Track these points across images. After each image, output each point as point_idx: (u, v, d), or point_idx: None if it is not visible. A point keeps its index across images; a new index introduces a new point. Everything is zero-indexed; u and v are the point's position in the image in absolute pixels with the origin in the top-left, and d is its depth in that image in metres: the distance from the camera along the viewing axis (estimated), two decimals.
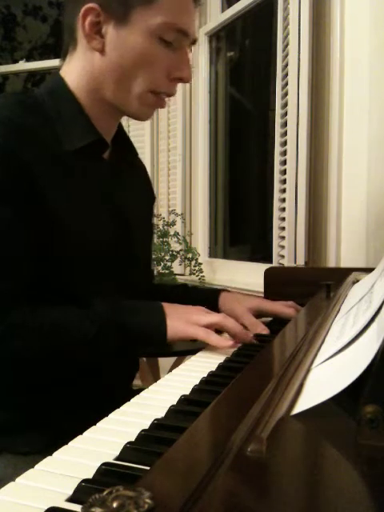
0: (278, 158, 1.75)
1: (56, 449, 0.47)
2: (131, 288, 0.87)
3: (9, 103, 0.78)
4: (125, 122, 1.95)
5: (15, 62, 3.33)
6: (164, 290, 1.10)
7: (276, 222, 1.77)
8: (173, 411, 0.54)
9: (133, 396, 0.60)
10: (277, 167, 1.76)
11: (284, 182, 1.70)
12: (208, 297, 1.02)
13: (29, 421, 0.80)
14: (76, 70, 0.83)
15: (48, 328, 0.73)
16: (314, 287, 1.08)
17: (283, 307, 0.98)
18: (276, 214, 1.76)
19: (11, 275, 0.73)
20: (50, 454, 0.46)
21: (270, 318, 1.01)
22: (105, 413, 0.55)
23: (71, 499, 0.38)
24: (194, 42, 0.84)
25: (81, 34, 0.80)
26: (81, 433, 0.50)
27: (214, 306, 0.97)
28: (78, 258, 0.79)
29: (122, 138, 0.93)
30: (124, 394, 0.66)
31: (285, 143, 1.70)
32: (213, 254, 2.53)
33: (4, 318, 0.71)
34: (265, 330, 0.87)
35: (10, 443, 0.78)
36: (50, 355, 0.74)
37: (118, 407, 0.57)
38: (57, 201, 0.76)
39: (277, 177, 1.76)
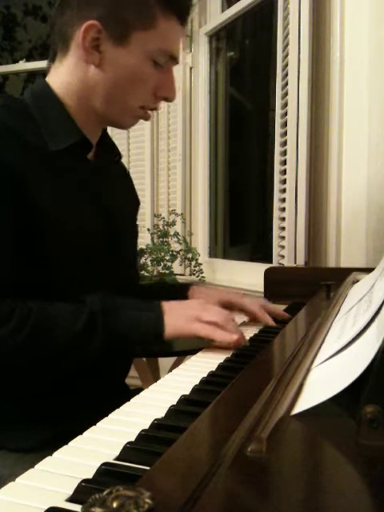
0: (278, 158, 1.75)
1: (56, 447, 0.47)
2: (117, 288, 0.87)
3: None
4: None
5: (15, 61, 3.33)
6: (141, 289, 1.11)
7: (276, 222, 1.77)
8: (173, 411, 0.54)
9: (132, 396, 0.60)
10: (277, 167, 1.76)
11: (284, 182, 1.70)
12: (178, 292, 1.03)
13: (28, 417, 0.79)
14: (66, 76, 0.86)
15: (34, 320, 0.72)
16: (314, 287, 1.08)
17: (250, 304, 0.97)
18: (276, 214, 1.76)
19: None
20: (50, 452, 0.46)
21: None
22: (104, 413, 0.55)
23: (71, 499, 0.38)
24: (177, 63, 0.90)
25: (77, 44, 0.82)
26: (81, 433, 0.50)
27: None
28: (65, 257, 0.80)
29: (105, 140, 0.96)
30: (120, 392, 0.66)
31: (285, 143, 1.70)
32: (213, 254, 2.53)
33: None
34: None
35: (10, 440, 0.78)
36: (35, 347, 0.73)
37: (118, 407, 0.57)
38: (43, 200, 0.77)
39: (277, 177, 1.76)
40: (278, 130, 1.74)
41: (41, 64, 3.12)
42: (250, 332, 0.89)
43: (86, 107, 0.86)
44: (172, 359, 1.76)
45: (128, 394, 0.61)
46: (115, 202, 0.92)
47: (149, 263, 2.17)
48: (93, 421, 0.53)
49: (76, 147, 0.84)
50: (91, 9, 0.81)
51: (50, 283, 0.79)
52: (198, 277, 2.21)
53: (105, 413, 0.55)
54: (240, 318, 0.98)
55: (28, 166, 0.76)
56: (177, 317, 0.77)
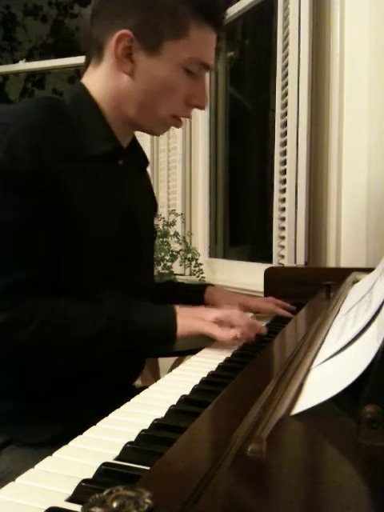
0: (278, 158, 1.75)
1: (64, 441, 0.48)
2: (136, 288, 0.90)
3: (36, 105, 0.82)
4: None
5: (15, 61, 3.33)
6: (158, 287, 1.12)
7: (276, 222, 1.77)
8: (173, 411, 0.54)
9: (133, 396, 0.60)
10: (277, 167, 1.76)
11: (284, 182, 1.70)
12: (194, 292, 1.07)
13: (35, 412, 0.81)
14: (100, 83, 0.87)
15: (59, 317, 0.75)
16: (314, 287, 1.08)
17: (263, 303, 1.04)
18: (276, 214, 1.76)
19: (26, 266, 0.76)
20: (56, 447, 0.46)
21: (270, 318, 1.01)
22: (105, 413, 0.55)
23: (71, 499, 0.38)
24: (211, 70, 0.90)
25: (111, 53, 0.83)
26: (82, 432, 0.50)
27: (199, 302, 1.04)
28: (91, 256, 0.82)
29: (135, 146, 0.97)
30: (124, 393, 0.67)
31: (285, 143, 1.70)
32: (213, 254, 2.53)
33: (18, 305, 0.73)
34: (263, 329, 0.88)
35: (17, 434, 0.79)
36: (59, 344, 0.75)
37: (119, 407, 0.57)
38: (79, 200, 0.79)
39: (277, 177, 1.76)
40: (278, 130, 1.74)
41: (41, 64, 3.12)
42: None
43: (120, 114, 0.87)
44: (172, 359, 1.76)
45: (132, 394, 0.61)
46: (140, 207, 0.94)
47: None
48: (94, 421, 0.53)
49: (110, 153, 0.86)
50: (124, 18, 0.82)
51: (72, 280, 0.81)
52: (197, 277, 2.21)
53: (106, 413, 0.55)
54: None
55: (65, 166, 0.78)
56: (186, 317, 0.80)
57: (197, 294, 1.05)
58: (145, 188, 1.04)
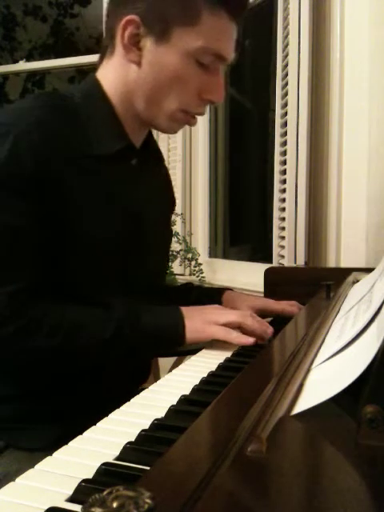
0: (278, 158, 1.75)
1: (64, 442, 0.48)
2: (136, 288, 0.87)
3: (40, 104, 0.78)
4: None
5: (15, 61, 3.32)
6: (167, 291, 1.11)
7: (276, 222, 1.77)
8: (173, 411, 0.54)
9: (133, 396, 0.60)
10: (277, 167, 1.76)
11: (284, 182, 1.69)
12: (211, 296, 1.02)
13: (35, 414, 0.80)
14: (112, 75, 0.83)
15: (67, 325, 0.74)
16: (314, 287, 1.08)
17: (287, 306, 0.98)
18: (276, 214, 1.76)
19: (28, 271, 0.74)
20: (55, 449, 0.46)
21: (270, 318, 1.01)
22: (105, 413, 0.55)
23: (71, 499, 0.38)
24: (228, 63, 0.83)
25: (119, 41, 0.80)
26: (82, 432, 0.50)
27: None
28: (93, 260, 0.80)
29: (150, 144, 0.93)
30: (125, 393, 0.66)
31: (285, 143, 1.70)
32: (213, 254, 2.53)
33: (24, 313, 0.72)
34: (269, 329, 0.87)
35: (17, 438, 0.79)
36: (67, 351, 0.74)
37: (119, 407, 0.57)
38: (81, 203, 0.77)
39: (277, 177, 1.76)
40: (278, 130, 1.74)
41: (41, 64, 3.11)
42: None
43: (130, 108, 0.83)
44: (172, 359, 1.76)
45: (133, 395, 0.61)
46: (148, 207, 0.90)
47: None
48: (94, 420, 0.53)
49: (121, 153, 0.82)
50: (134, 3, 0.77)
51: (72, 282, 0.79)
52: (197, 277, 2.21)
53: (106, 413, 0.55)
54: None
55: (68, 169, 0.75)
56: (195, 321, 0.78)
57: (214, 299, 1.00)
58: (160, 187, 0.99)
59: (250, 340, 0.76)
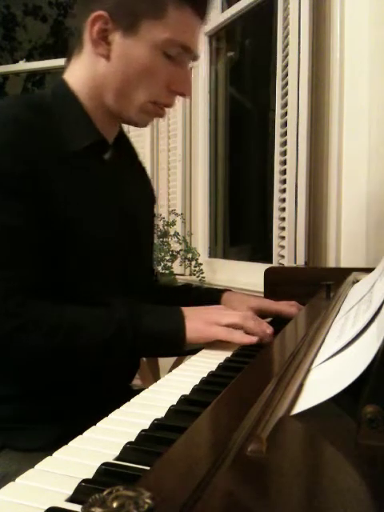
0: (278, 158, 1.75)
1: (64, 442, 0.48)
2: (135, 287, 0.88)
3: (17, 103, 0.80)
4: None
5: (15, 61, 3.33)
6: (167, 291, 1.11)
7: (276, 222, 1.77)
8: (173, 411, 0.54)
9: (133, 396, 0.60)
10: (277, 167, 1.76)
11: (284, 182, 1.70)
12: (211, 297, 1.02)
13: (34, 415, 0.80)
14: (80, 72, 0.84)
15: (67, 325, 0.74)
16: (314, 287, 1.08)
17: (286, 306, 0.98)
18: (276, 214, 1.76)
19: (18, 271, 0.74)
20: (55, 449, 0.46)
21: (270, 318, 1.01)
22: (105, 413, 0.55)
23: (71, 499, 0.38)
24: (195, 58, 0.86)
25: (88, 38, 0.81)
26: (82, 432, 0.50)
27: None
28: (84, 256, 0.81)
29: (122, 140, 0.95)
30: (124, 393, 0.66)
31: (285, 143, 1.70)
32: (213, 254, 2.53)
33: (20, 312, 0.72)
34: (269, 329, 0.87)
35: (13, 439, 0.79)
36: (66, 351, 0.74)
37: (118, 407, 0.57)
38: (63, 199, 0.77)
39: (277, 177, 1.76)
40: (278, 130, 1.74)
41: (41, 64, 3.12)
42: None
43: (100, 104, 0.84)
44: (172, 359, 1.76)
45: (132, 394, 0.61)
46: (132, 201, 0.91)
47: None
48: (94, 421, 0.53)
49: (93, 147, 0.83)
50: (101, 1, 0.79)
51: (67, 281, 0.80)
52: (197, 277, 2.21)
53: (105, 413, 0.55)
54: None
55: (48, 164, 0.76)
56: (197, 321, 0.78)
57: (213, 299, 1.01)
58: (138, 181, 1.00)
59: (253, 339, 0.76)
